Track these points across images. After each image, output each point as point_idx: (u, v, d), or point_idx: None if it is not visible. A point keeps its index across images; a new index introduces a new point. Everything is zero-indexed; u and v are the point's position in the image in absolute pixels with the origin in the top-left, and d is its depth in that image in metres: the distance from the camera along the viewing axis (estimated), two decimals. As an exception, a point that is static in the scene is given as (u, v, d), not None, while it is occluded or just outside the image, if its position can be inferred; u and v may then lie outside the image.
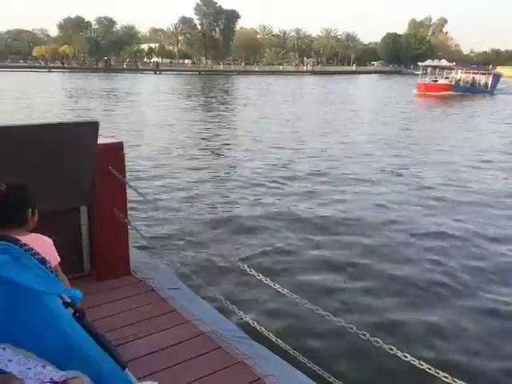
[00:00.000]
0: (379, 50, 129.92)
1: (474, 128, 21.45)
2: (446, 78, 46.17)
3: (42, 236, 2.14)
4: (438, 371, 1.89)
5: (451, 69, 47.43)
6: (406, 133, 19.09)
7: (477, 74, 47.09)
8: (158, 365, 2.73)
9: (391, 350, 2.08)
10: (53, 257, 2.13)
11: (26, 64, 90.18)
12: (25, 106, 24.39)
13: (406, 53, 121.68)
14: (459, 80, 45.73)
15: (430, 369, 1.93)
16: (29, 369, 1.43)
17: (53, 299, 1.52)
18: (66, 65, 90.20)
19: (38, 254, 1.49)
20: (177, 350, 2.89)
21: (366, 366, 3.78)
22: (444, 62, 47.79)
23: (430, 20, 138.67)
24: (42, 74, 71.30)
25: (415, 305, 5.00)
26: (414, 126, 21.67)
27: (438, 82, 45.24)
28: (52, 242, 2.15)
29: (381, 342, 2.11)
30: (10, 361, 1.43)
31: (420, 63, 51.01)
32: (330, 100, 35.83)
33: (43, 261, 1.52)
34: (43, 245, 2.10)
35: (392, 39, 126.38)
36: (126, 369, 1.58)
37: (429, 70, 49.57)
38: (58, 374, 1.44)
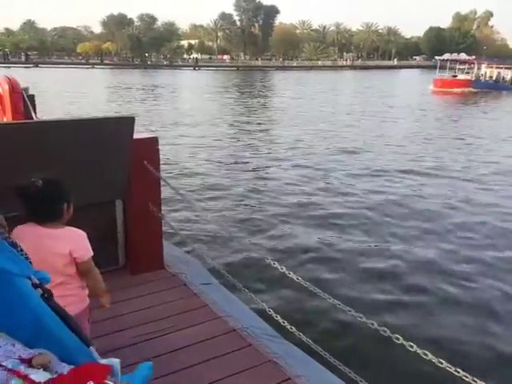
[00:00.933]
0: (421, 44, 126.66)
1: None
2: (467, 73, 42.66)
3: (76, 229, 2.17)
4: None
5: (471, 63, 43.91)
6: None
7: (501, 68, 42.97)
8: (188, 360, 2.73)
9: (426, 355, 1.99)
10: (86, 249, 2.16)
11: (70, 61, 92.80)
12: (67, 102, 25.10)
13: (449, 47, 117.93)
14: (481, 75, 41.99)
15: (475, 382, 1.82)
16: None
17: (22, 281, 1.55)
18: (106, 61, 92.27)
19: (9, 237, 1.54)
20: (208, 346, 2.89)
21: (399, 370, 3.68)
22: (463, 56, 44.29)
23: (475, 13, 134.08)
24: (84, 70, 73.27)
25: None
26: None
27: (457, 78, 41.64)
28: (85, 235, 2.18)
29: (415, 346, 2.03)
30: None
31: (437, 57, 47.46)
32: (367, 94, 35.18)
33: (14, 244, 1.57)
34: (76, 237, 2.13)
35: (435, 33, 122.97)
36: (91, 347, 1.62)
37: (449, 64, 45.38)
38: (27, 352, 1.49)
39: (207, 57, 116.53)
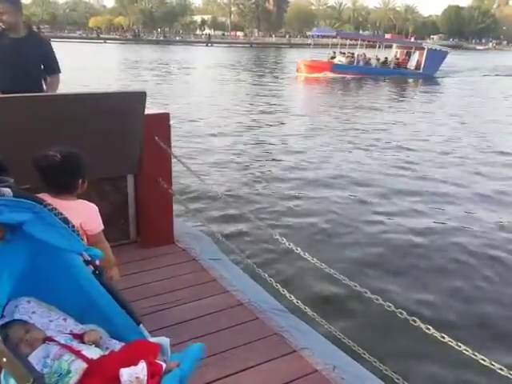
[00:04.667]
0: (439, 23, 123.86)
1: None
2: (347, 53, 33.19)
3: (88, 203, 2.21)
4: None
5: (373, 41, 35.19)
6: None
7: (402, 48, 34.48)
8: (196, 331, 2.80)
9: (428, 329, 2.03)
10: (97, 222, 2.21)
11: (79, 35, 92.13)
12: (78, 76, 25.07)
13: (468, 27, 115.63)
14: (359, 56, 32.61)
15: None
16: (51, 321, 1.53)
17: (74, 257, 1.59)
18: (118, 36, 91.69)
19: (61, 213, 1.56)
20: (215, 318, 2.96)
21: (402, 345, 3.75)
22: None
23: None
24: (96, 44, 72.87)
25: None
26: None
27: (321, 60, 32.78)
28: (97, 209, 2.22)
29: (418, 321, 2.07)
30: (33, 313, 1.53)
31: (309, 32, 39.68)
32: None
33: (66, 220, 1.59)
34: (88, 210, 2.18)
35: (454, 12, 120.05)
36: (141, 324, 1.64)
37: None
38: (78, 327, 1.53)
39: (220, 33, 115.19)
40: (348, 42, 34.33)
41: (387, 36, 40.11)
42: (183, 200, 4.33)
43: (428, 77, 31.86)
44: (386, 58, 33.53)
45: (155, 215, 3.87)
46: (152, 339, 1.57)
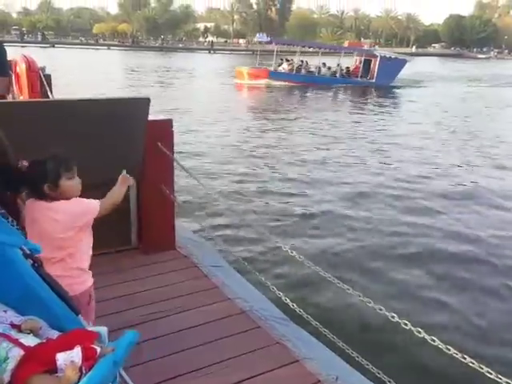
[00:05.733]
0: (441, 31, 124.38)
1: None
2: (291, 60, 31.25)
3: (71, 201, 2.16)
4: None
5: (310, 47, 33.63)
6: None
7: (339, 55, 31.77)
8: (198, 338, 2.78)
9: (433, 341, 2.00)
10: (88, 213, 2.18)
11: (86, 41, 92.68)
12: (82, 82, 25.17)
13: (469, 36, 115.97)
14: (302, 63, 30.63)
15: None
16: None
17: (13, 250, 1.60)
18: (121, 43, 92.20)
19: (0, 209, 1.59)
20: (217, 326, 2.93)
21: (405, 355, 3.71)
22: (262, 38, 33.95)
23: (497, 1, 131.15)
24: (100, 51, 73.23)
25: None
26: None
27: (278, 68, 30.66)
28: (80, 200, 2.18)
29: (423, 332, 2.04)
30: None
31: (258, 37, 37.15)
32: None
33: (5, 215, 1.64)
34: (70, 209, 2.13)
35: (455, 21, 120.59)
36: (79, 315, 1.68)
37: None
38: (18, 319, 1.54)
39: (223, 40, 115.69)
40: (299, 49, 33.00)
41: (346, 43, 38.12)
42: (185, 206, 4.30)
43: (381, 86, 29.08)
44: (339, 65, 30.85)
45: (157, 221, 3.85)
46: (90, 328, 1.60)
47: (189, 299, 3.23)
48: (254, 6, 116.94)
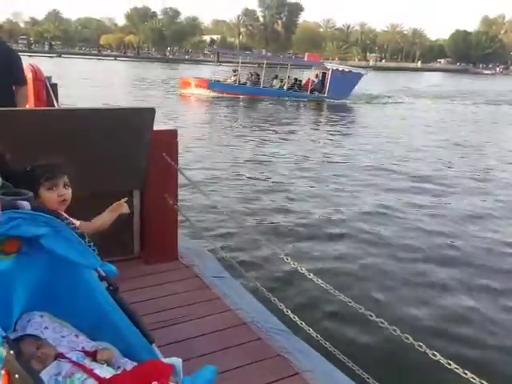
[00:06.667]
0: (447, 47, 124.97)
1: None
2: (252, 74, 30.04)
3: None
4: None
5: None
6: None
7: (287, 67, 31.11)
8: (198, 349, 2.76)
9: (434, 355, 1.99)
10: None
11: (93, 52, 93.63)
12: (88, 92, 25.37)
13: (475, 51, 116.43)
14: (248, 75, 29.98)
15: None
16: (63, 337, 1.51)
17: (89, 272, 1.58)
18: (125, 53, 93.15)
19: (77, 228, 1.54)
20: (217, 337, 2.91)
21: (408, 370, 3.68)
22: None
23: (504, 18, 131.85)
24: (107, 61, 73.90)
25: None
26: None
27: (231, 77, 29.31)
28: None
29: (424, 346, 2.03)
30: (46, 328, 1.51)
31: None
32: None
33: (82, 235, 1.57)
34: None
35: (461, 36, 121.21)
36: (153, 344, 1.61)
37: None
38: (89, 344, 1.50)
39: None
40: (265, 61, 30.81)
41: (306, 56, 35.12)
42: (188, 216, 4.31)
43: (333, 101, 27.42)
44: (296, 78, 29.74)
45: (160, 231, 3.86)
46: (165, 360, 1.54)
47: (190, 309, 3.22)
48: (261, 19, 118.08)
